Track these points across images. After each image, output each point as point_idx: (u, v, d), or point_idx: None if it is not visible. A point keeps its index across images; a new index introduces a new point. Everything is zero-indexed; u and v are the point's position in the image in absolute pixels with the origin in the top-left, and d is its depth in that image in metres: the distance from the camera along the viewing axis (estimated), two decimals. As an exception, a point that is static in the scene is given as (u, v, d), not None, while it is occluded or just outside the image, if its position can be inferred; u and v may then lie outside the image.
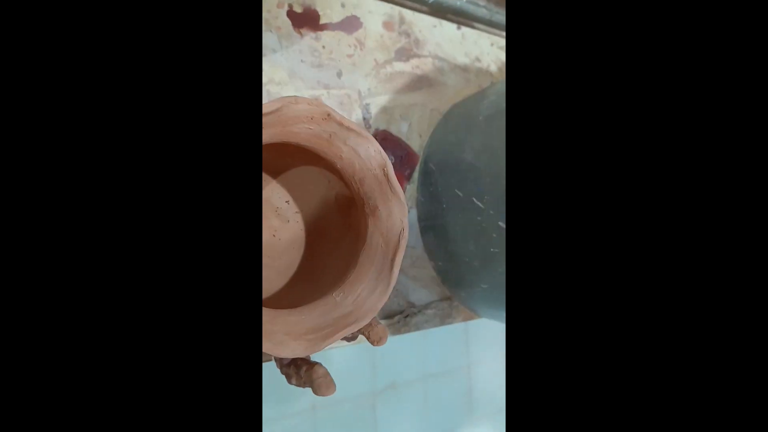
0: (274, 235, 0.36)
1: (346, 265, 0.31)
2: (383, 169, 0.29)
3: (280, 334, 0.25)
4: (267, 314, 0.25)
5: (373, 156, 0.29)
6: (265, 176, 0.35)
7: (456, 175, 0.41)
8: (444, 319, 0.48)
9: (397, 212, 0.29)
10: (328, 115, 0.27)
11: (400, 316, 0.45)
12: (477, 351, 1.29)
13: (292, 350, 0.24)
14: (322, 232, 0.36)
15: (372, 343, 0.30)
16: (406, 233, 0.29)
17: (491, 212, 0.36)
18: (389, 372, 1.11)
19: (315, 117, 0.27)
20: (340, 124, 0.27)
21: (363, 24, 0.45)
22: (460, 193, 0.40)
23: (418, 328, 0.46)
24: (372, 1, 0.45)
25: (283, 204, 0.36)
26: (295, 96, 0.26)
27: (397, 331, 0.44)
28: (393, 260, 0.28)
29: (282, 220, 0.36)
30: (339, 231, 0.35)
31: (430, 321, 0.47)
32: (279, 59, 0.40)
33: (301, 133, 0.27)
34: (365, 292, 0.28)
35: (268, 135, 0.26)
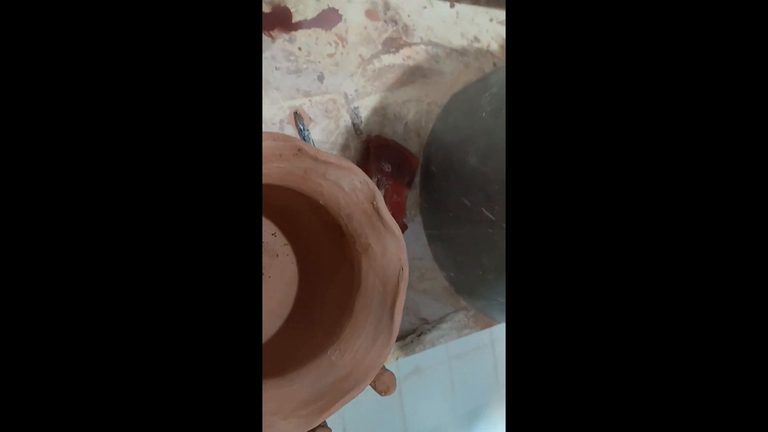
0: (263, 274, 0.32)
1: (341, 308, 0.28)
2: (372, 203, 0.25)
3: (268, 415, 0.21)
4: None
5: (359, 188, 0.25)
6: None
7: (461, 180, 0.37)
8: (461, 331, 0.45)
9: (393, 249, 0.25)
10: (299, 150, 0.23)
11: (413, 336, 0.41)
12: (499, 328, 1.27)
13: (282, 432, 0.21)
14: (315, 264, 0.33)
15: (379, 393, 0.27)
16: (405, 273, 0.25)
17: (503, 225, 0.32)
18: (412, 357, 1.10)
19: (284, 154, 0.23)
20: (315, 159, 0.23)
21: (342, 16, 0.40)
22: (467, 202, 0.36)
23: (433, 344, 0.43)
24: (350, -12, 0.40)
25: (269, 237, 0.32)
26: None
27: (411, 352, 0.41)
28: (393, 307, 0.25)
29: (270, 255, 0.32)
30: (333, 262, 0.32)
31: (446, 335, 0.44)
32: (250, 70, 0.36)
33: (271, 173, 0.23)
34: (363, 347, 0.25)
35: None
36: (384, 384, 0.26)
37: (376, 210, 0.25)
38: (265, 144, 0.22)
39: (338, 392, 0.23)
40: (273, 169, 0.23)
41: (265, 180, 0.24)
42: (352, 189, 0.25)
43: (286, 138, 0.22)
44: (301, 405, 0.22)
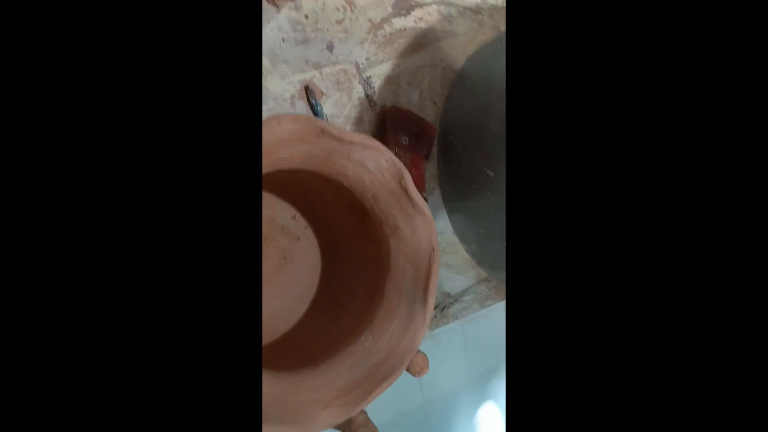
0: (285, 258, 0.31)
1: (371, 292, 0.27)
2: (400, 182, 0.23)
3: (308, 406, 0.21)
4: (290, 381, 0.22)
5: (385, 168, 0.23)
6: (265, 193, 0.30)
7: (482, 149, 0.35)
8: (483, 302, 0.44)
9: (423, 230, 0.24)
10: (322, 130, 0.21)
11: (437, 310, 0.41)
12: (512, 290, 1.28)
13: (325, 423, 0.21)
14: (338, 246, 0.32)
15: (413, 374, 0.26)
16: (437, 254, 0.24)
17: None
18: (426, 325, 1.12)
19: (306, 136, 0.21)
20: (340, 139, 0.22)
21: (349, -23, 0.37)
22: (490, 173, 0.34)
23: (456, 317, 0.43)
24: (356, -54, 0.37)
25: (289, 221, 0.31)
26: (276, 116, 0.20)
27: (434, 327, 0.41)
28: (426, 289, 0.24)
29: (291, 239, 0.32)
30: (357, 243, 0.31)
31: (468, 308, 0.43)
32: (256, 43, 0.34)
33: (293, 157, 0.22)
34: (398, 331, 0.24)
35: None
36: (417, 365, 0.26)
37: (404, 190, 0.24)
38: (287, 127, 0.20)
39: (375, 379, 0.23)
40: (295, 153, 0.22)
41: (287, 165, 0.22)
42: (378, 169, 0.23)
43: (308, 119, 0.21)
44: (340, 394, 0.22)
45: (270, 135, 0.20)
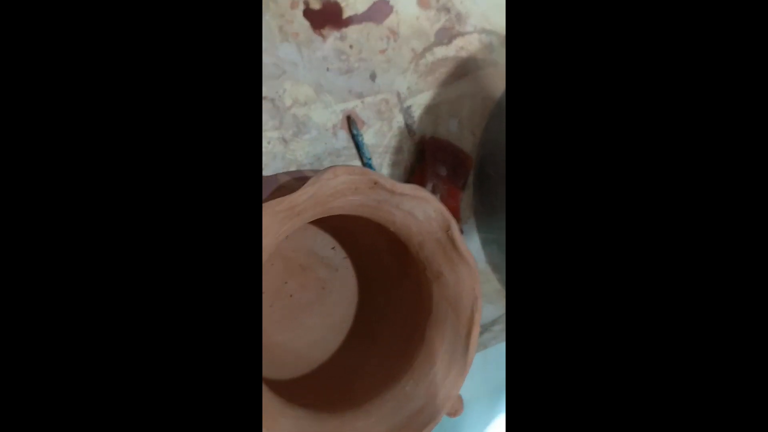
0: (323, 288, 0.32)
1: (410, 333, 0.27)
2: (447, 232, 0.24)
3: (350, 451, 0.22)
4: (332, 425, 0.22)
5: (433, 218, 0.24)
6: (306, 224, 0.31)
7: (521, 185, 0.35)
8: (512, 331, 0.44)
9: (467, 279, 0.24)
10: (375, 183, 0.22)
11: (466, 339, 0.41)
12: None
13: (365, 469, 0.21)
14: (374, 278, 0.32)
15: (449, 415, 0.27)
16: (479, 304, 0.24)
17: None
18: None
19: (360, 187, 0.22)
20: (392, 192, 0.22)
21: (393, 8, 0.37)
22: (528, 210, 0.34)
23: (485, 347, 0.43)
24: (402, -24, 0.37)
25: (328, 252, 0.32)
26: (332, 168, 0.21)
27: (463, 355, 0.41)
28: (468, 337, 0.24)
29: (330, 269, 0.32)
30: (394, 277, 0.31)
31: (497, 337, 0.43)
32: (301, 73, 0.34)
33: (344, 206, 0.22)
34: (438, 378, 0.24)
35: (301, 220, 0.21)
36: (453, 407, 0.26)
37: (451, 240, 0.24)
38: (342, 179, 0.21)
39: (416, 425, 0.23)
40: (347, 203, 0.22)
41: (339, 211, 0.23)
42: (426, 218, 0.24)
43: (363, 171, 0.21)
44: (381, 440, 0.22)
45: (325, 187, 0.21)
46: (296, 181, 0.25)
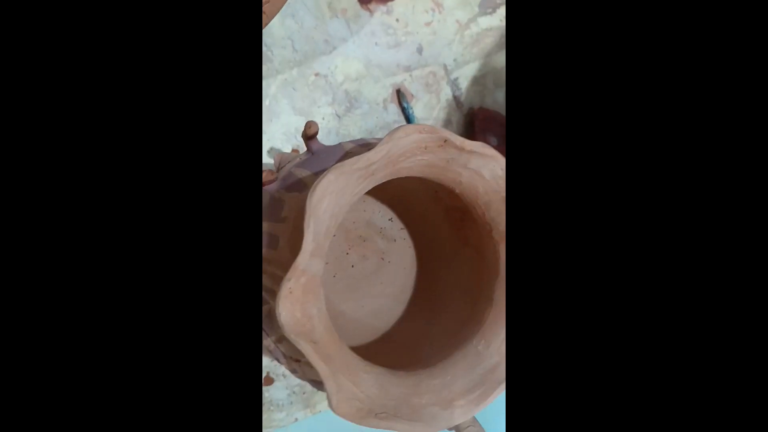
0: (383, 258, 0.32)
1: (476, 296, 0.27)
2: (515, 190, 0.24)
3: (429, 406, 0.22)
4: (410, 381, 0.23)
5: (500, 175, 0.24)
6: (363, 196, 0.31)
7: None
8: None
9: (535, 237, 0.24)
10: (445, 140, 0.22)
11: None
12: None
13: (446, 422, 0.22)
14: (432, 248, 0.32)
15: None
16: (550, 262, 0.24)
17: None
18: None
19: (429, 146, 0.22)
20: (461, 149, 0.22)
21: (438, -21, 0.37)
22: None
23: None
24: (445, -53, 0.37)
25: (386, 223, 0.32)
26: (403, 127, 0.21)
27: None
28: (538, 296, 0.24)
29: (388, 240, 0.32)
30: (452, 245, 0.31)
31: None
32: (351, 48, 0.35)
33: (413, 167, 0.23)
34: (510, 337, 0.24)
35: (373, 181, 0.22)
36: None
37: (519, 197, 0.24)
38: (413, 137, 0.21)
39: (492, 382, 0.23)
40: (416, 162, 0.22)
41: (406, 173, 0.23)
42: (493, 176, 0.24)
43: (433, 130, 0.21)
44: (458, 395, 0.23)
45: (398, 146, 0.21)
46: (361, 147, 0.25)
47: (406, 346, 0.29)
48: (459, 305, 0.29)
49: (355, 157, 0.20)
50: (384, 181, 0.23)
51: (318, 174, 0.24)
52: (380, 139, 0.26)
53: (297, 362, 0.23)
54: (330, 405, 0.19)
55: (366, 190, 0.22)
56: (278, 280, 0.23)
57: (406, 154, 0.22)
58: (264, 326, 0.24)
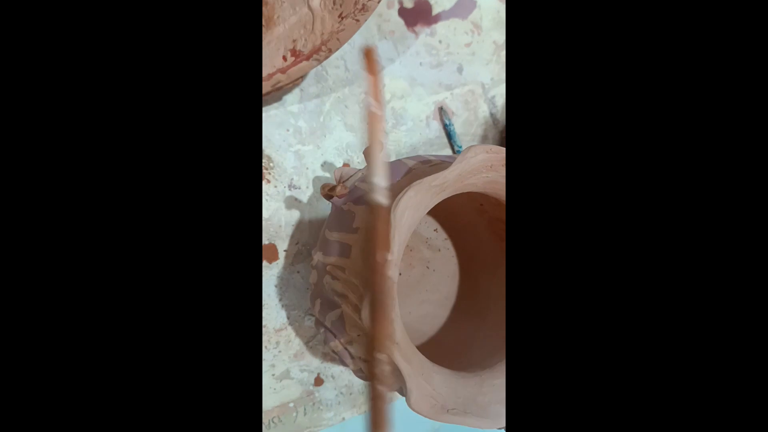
0: (428, 267, 0.34)
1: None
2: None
3: (493, 404, 0.24)
4: (474, 381, 0.24)
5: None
6: (410, 207, 0.33)
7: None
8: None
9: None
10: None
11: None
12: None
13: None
14: (476, 259, 0.34)
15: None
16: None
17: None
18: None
19: (495, 164, 0.24)
20: (522, 168, 0.24)
21: (476, 3, 0.39)
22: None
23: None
24: (484, -27, 0.39)
25: (431, 233, 0.34)
26: (473, 147, 0.23)
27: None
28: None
29: (433, 250, 0.34)
30: (495, 255, 0.33)
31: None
32: (397, 68, 0.37)
33: (477, 183, 0.25)
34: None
35: (443, 195, 0.24)
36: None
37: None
38: (481, 157, 0.23)
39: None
40: (480, 179, 0.24)
41: (469, 189, 0.25)
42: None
43: (498, 150, 0.23)
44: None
45: (468, 164, 0.23)
46: (421, 164, 0.27)
47: (454, 350, 0.31)
48: (502, 313, 0.31)
49: (434, 176, 0.22)
50: (452, 194, 0.25)
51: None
52: (438, 155, 0.28)
53: (366, 362, 0.24)
54: (408, 402, 0.21)
55: (435, 204, 0.24)
56: (351, 287, 0.25)
57: (473, 172, 0.24)
58: (333, 329, 0.26)
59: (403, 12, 0.37)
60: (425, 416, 0.21)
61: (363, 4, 0.24)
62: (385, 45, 0.36)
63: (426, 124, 0.38)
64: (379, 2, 0.24)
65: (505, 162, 0.24)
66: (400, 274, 0.34)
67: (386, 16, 0.36)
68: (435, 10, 0.38)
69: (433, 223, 0.34)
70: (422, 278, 0.34)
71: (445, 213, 0.34)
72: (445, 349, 0.32)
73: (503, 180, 0.25)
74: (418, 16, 0.37)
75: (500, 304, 0.32)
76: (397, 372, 0.21)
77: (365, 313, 0.20)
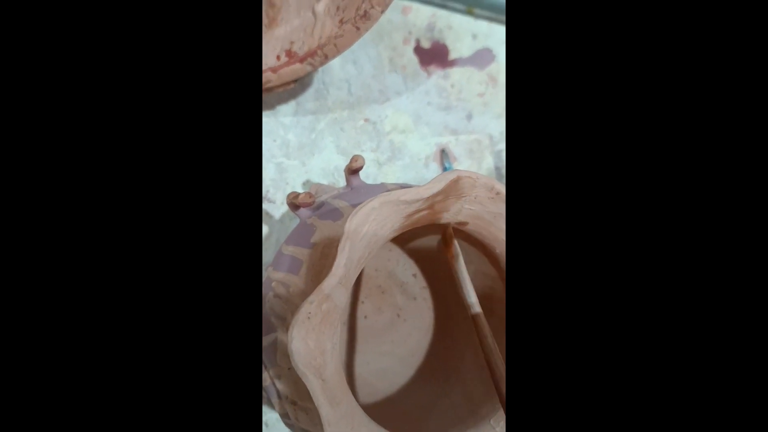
0: (398, 315, 0.30)
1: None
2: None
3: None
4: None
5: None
6: (390, 244, 0.30)
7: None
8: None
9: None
10: (497, 193, 0.21)
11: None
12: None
13: None
14: (454, 315, 0.30)
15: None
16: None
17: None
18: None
19: (479, 196, 0.21)
20: (511, 205, 0.21)
21: (496, 57, 0.38)
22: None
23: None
24: (505, 30, 0.39)
25: (409, 278, 0.30)
26: (456, 171, 0.20)
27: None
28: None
29: (408, 297, 0.30)
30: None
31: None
32: (404, 103, 0.35)
33: (458, 215, 0.21)
34: (534, 425, 0.21)
35: (413, 221, 0.21)
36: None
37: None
38: (464, 182, 0.20)
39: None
40: (462, 211, 0.21)
41: (454, 218, 0.22)
42: (539, 242, 0.22)
43: (487, 179, 0.21)
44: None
45: (444, 184, 0.20)
46: (401, 186, 0.25)
47: (410, 415, 0.26)
48: (476, 381, 0.26)
49: (404, 189, 0.19)
50: (425, 224, 0.22)
51: (357, 206, 0.23)
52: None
53: (293, 405, 0.20)
54: (323, 460, 0.17)
55: (404, 230, 0.21)
56: (291, 309, 0.21)
57: (452, 196, 0.21)
58: (264, 357, 0.21)
59: (419, 50, 0.36)
60: (342, 485, 0.17)
61: (365, 11, 0.23)
62: (395, 78, 0.35)
63: (424, 164, 0.36)
64: (382, 12, 0.23)
65: (495, 195, 0.21)
66: (365, 317, 0.30)
67: (401, 50, 0.36)
68: (452, 56, 0.37)
69: (412, 267, 0.31)
70: (390, 326, 0.30)
71: (427, 258, 0.31)
72: (399, 412, 0.27)
73: (490, 218, 0.22)
74: (433, 57, 0.36)
75: (475, 373, 0.27)
76: (315, 415, 0.17)
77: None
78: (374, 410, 0.27)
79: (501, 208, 0.21)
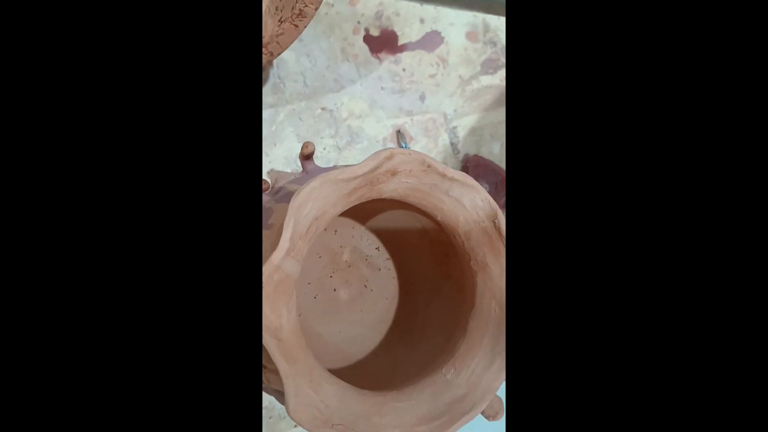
0: (365, 286, 0.33)
1: (452, 326, 0.27)
2: (494, 221, 0.25)
3: (390, 427, 0.21)
4: (373, 400, 0.22)
5: (480, 206, 0.25)
6: (353, 222, 0.32)
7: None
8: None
9: (511, 270, 0.25)
10: (429, 166, 0.23)
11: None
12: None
13: (403, 447, 0.21)
14: (416, 281, 0.33)
15: (487, 417, 0.26)
16: (524, 295, 0.24)
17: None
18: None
19: (413, 169, 0.23)
20: (443, 175, 0.23)
21: (444, 39, 0.40)
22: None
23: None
24: (453, 12, 0.41)
25: (373, 251, 0.33)
26: (389, 149, 0.22)
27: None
28: (510, 328, 0.24)
29: (373, 268, 0.33)
30: (435, 280, 0.32)
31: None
32: (358, 90, 0.37)
33: (398, 188, 0.24)
34: (479, 368, 0.24)
35: (355, 197, 0.23)
36: (492, 409, 0.26)
37: (497, 229, 0.25)
38: (398, 159, 0.23)
39: (456, 412, 0.23)
40: (400, 184, 0.24)
41: (391, 194, 0.24)
42: (473, 206, 0.25)
43: (418, 154, 0.23)
44: (420, 421, 0.22)
45: (382, 165, 0.22)
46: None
47: (376, 376, 0.29)
48: (436, 339, 0.29)
49: (341, 168, 0.21)
50: (368, 200, 0.24)
51: (308, 188, 0.25)
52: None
53: (264, 369, 0.23)
54: (287, 409, 0.19)
55: (349, 206, 0.23)
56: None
57: (388, 173, 0.23)
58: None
59: (368, 39, 0.38)
60: (304, 428, 0.19)
61: (300, 10, 0.25)
62: (348, 67, 0.37)
63: (382, 145, 0.38)
64: (317, 9, 0.25)
65: (427, 168, 0.23)
66: (335, 290, 0.32)
67: (351, 40, 0.37)
68: (401, 41, 0.39)
69: (375, 241, 0.33)
70: (358, 297, 0.33)
71: (389, 232, 0.33)
72: (368, 375, 0.29)
73: (426, 189, 0.24)
74: (383, 44, 0.38)
75: (435, 332, 0.30)
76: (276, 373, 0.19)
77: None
78: (346, 374, 0.30)
79: (434, 179, 0.24)
